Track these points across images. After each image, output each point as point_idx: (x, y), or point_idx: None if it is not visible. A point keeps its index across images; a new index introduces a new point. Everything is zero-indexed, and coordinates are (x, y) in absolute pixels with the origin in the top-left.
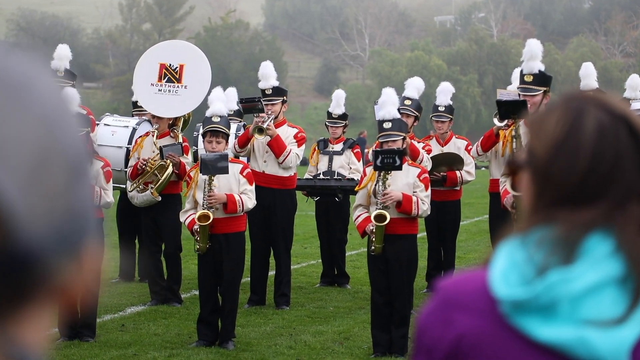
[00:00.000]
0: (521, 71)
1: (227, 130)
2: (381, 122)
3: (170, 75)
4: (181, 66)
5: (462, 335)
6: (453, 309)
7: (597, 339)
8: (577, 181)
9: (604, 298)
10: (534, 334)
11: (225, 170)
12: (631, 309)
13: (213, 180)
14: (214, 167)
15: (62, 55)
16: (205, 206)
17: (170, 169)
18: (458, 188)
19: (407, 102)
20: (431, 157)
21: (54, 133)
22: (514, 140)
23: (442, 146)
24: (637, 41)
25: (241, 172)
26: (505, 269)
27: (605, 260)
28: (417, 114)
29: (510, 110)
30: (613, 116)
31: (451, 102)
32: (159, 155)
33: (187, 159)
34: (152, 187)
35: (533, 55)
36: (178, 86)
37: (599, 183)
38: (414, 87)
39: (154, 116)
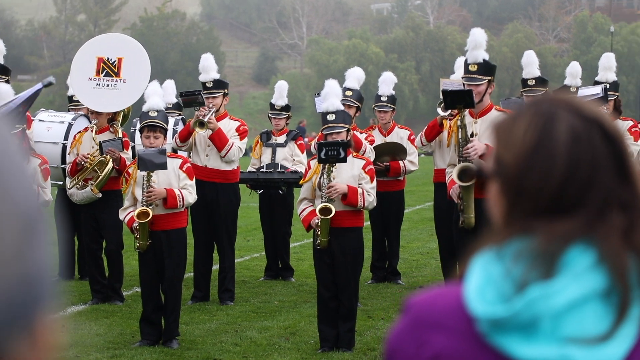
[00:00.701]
0: (465, 60)
1: (164, 124)
2: (325, 114)
3: (109, 69)
4: (119, 60)
5: (438, 357)
6: (426, 328)
7: (582, 357)
8: (554, 191)
9: (587, 314)
10: (514, 354)
11: (163, 166)
12: (616, 324)
13: (152, 176)
14: (151, 163)
15: None
16: (144, 203)
17: (110, 165)
18: (402, 178)
19: (348, 93)
20: (374, 147)
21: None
22: (460, 130)
23: (385, 136)
24: (571, 26)
25: (180, 167)
26: (481, 285)
27: (587, 274)
28: (358, 104)
29: (455, 100)
30: (586, 120)
31: (393, 92)
32: (98, 151)
33: (128, 154)
34: (92, 184)
35: (477, 45)
36: (117, 80)
37: (576, 192)
38: (355, 77)
39: (92, 111)
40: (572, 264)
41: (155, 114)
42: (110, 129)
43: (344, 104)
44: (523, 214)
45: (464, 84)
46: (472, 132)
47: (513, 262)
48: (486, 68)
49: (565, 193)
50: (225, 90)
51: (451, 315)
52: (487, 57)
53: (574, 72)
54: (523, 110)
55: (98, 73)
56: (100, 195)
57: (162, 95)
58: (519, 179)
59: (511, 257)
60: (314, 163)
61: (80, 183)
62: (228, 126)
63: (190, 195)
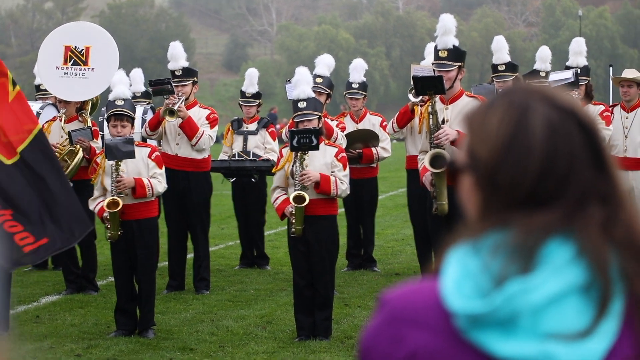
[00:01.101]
0: (435, 47)
1: (131, 113)
2: (296, 101)
3: (76, 57)
4: (87, 48)
5: (414, 354)
6: (402, 324)
7: (562, 353)
8: (530, 184)
9: (568, 309)
10: (493, 350)
11: (131, 155)
12: (597, 319)
13: (120, 165)
14: (119, 152)
15: None
16: (114, 192)
17: (80, 154)
18: (374, 165)
19: (319, 80)
20: (346, 134)
21: None
22: (430, 116)
23: (357, 123)
24: (539, 10)
25: (149, 156)
26: (458, 279)
27: (566, 267)
28: (329, 91)
29: (426, 86)
30: (561, 111)
31: (364, 79)
32: (67, 140)
33: (97, 144)
34: None
35: (447, 30)
36: (85, 69)
37: (554, 185)
38: (325, 64)
39: (60, 100)
40: (551, 257)
41: (122, 102)
42: (79, 118)
43: (314, 92)
44: (499, 207)
45: (434, 70)
46: (443, 119)
47: (490, 256)
48: (456, 54)
49: (543, 186)
50: (195, 78)
51: (428, 310)
52: (457, 43)
53: (543, 56)
54: (496, 101)
55: (66, 62)
56: (70, 185)
57: (128, 84)
58: (494, 174)
59: (488, 251)
60: (286, 151)
61: None
62: (198, 114)
63: (159, 184)
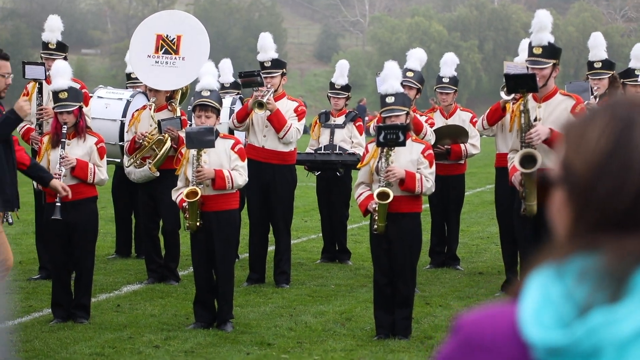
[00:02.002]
0: (530, 43)
1: (217, 104)
2: (384, 96)
3: (168, 46)
4: (178, 37)
5: None
6: (475, 352)
7: None
8: (626, 204)
9: None
10: None
11: (210, 144)
12: None
13: (202, 155)
14: (199, 140)
15: (54, 26)
16: (194, 182)
17: (168, 144)
18: (462, 162)
19: (410, 74)
20: (435, 130)
21: None
22: (522, 115)
23: (447, 119)
24: (639, 6)
25: (232, 148)
26: (539, 307)
27: None
28: (419, 86)
29: (519, 84)
30: None
31: (455, 74)
32: (156, 129)
33: None
34: (150, 162)
35: (542, 27)
36: (175, 58)
37: None
38: (417, 58)
39: (150, 89)
40: None
41: (208, 93)
42: (169, 107)
43: (404, 85)
44: (589, 228)
45: (527, 67)
46: (536, 117)
47: (576, 282)
48: (551, 51)
49: (638, 208)
50: (284, 69)
51: (504, 339)
52: (552, 40)
53: (638, 54)
54: (597, 113)
55: (157, 50)
56: (158, 174)
57: (216, 75)
58: (588, 188)
59: (574, 276)
60: (372, 147)
61: (138, 161)
62: (286, 107)
63: (240, 177)
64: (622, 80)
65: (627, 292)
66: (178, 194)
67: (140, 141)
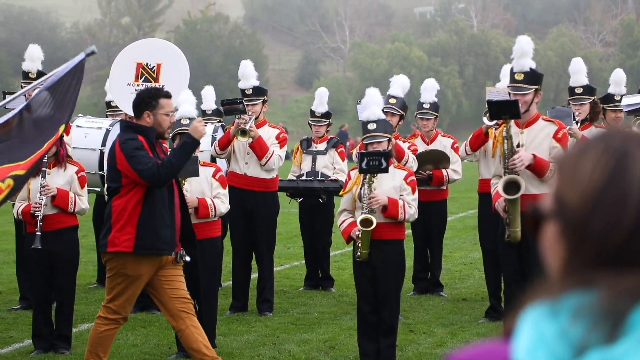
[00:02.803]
0: (511, 69)
1: None
2: (365, 123)
3: (148, 74)
4: (158, 65)
5: None
6: None
7: None
8: (622, 239)
9: None
10: None
11: (195, 173)
12: None
13: (184, 184)
14: (183, 170)
15: (34, 56)
16: None
17: None
18: (444, 187)
19: (392, 101)
20: (417, 155)
21: None
22: (505, 141)
23: (428, 145)
24: (617, 30)
25: (213, 176)
26: (532, 346)
27: None
28: (402, 112)
29: (501, 110)
30: None
31: (436, 99)
32: None
33: None
34: None
35: (524, 53)
36: (155, 86)
37: None
38: (399, 85)
39: (130, 117)
40: (638, 326)
41: (188, 121)
42: None
43: (387, 112)
44: (584, 264)
45: (509, 93)
46: (519, 143)
47: (570, 321)
48: (533, 77)
49: (635, 242)
50: (265, 97)
51: None
52: (533, 66)
53: (617, 79)
54: (591, 144)
55: (137, 78)
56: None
57: (194, 103)
58: (582, 223)
59: (568, 314)
60: (354, 173)
61: None
62: (268, 134)
63: (222, 204)
64: (602, 105)
65: (623, 331)
66: None
67: None
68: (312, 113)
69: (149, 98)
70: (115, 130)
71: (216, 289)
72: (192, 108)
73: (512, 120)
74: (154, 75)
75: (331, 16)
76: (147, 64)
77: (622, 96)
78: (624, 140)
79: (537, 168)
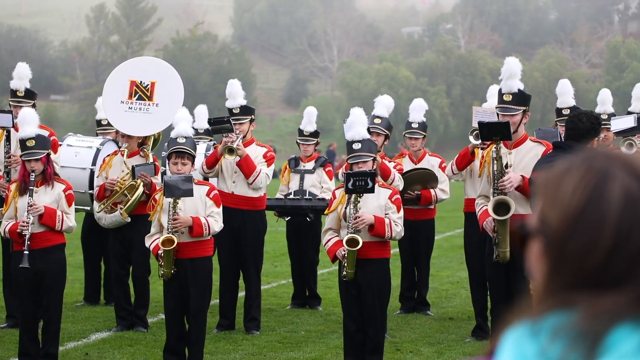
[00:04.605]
0: (500, 90)
1: (192, 151)
2: (350, 143)
3: (142, 92)
4: (152, 83)
5: None
6: None
7: None
8: (599, 261)
9: None
10: None
11: (189, 193)
12: None
13: (178, 203)
14: (178, 189)
15: (22, 74)
16: (169, 230)
17: (140, 189)
18: (432, 207)
19: (377, 121)
20: (405, 176)
21: None
22: (495, 162)
23: (416, 164)
24: (603, 52)
25: (207, 194)
26: None
27: (633, 357)
28: (387, 132)
29: (492, 131)
30: None
31: (424, 119)
32: (129, 174)
33: (158, 179)
34: (121, 208)
35: (512, 74)
36: (149, 104)
37: (626, 264)
38: (384, 105)
39: (123, 135)
40: (617, 345)
41: (184, 140)
42: (141, 153)
43: (372, 132)
44: (564, 284)
45: (498, 113)
46: (507, 163)
47: (550, 340)
48: (521, 98)
49: (613, 264)
50: (252, 116)
51: None
52: (522, 87)
53: (604, 99)
54: (574, 164)
55: (131, 96)
56: (129, 219)
57: (190, 121)
58: (562, 243)
59: (548, 334)
60: (339, 192)
61: (108, 207)
62: (255, 152)
63: (216, 223)
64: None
65: (602, 352)
66: (152, 241)
67: (111, 187)
68: (300, 132)
69: None
70: (106, 149)
71: (206, 309)
72: (188, 126)
73: (502, 142)
74: (148, 94)
75: (319, 36)
76: (141, 82)
77: (608, 115)
78: (607, 162)
79: (526, 189)
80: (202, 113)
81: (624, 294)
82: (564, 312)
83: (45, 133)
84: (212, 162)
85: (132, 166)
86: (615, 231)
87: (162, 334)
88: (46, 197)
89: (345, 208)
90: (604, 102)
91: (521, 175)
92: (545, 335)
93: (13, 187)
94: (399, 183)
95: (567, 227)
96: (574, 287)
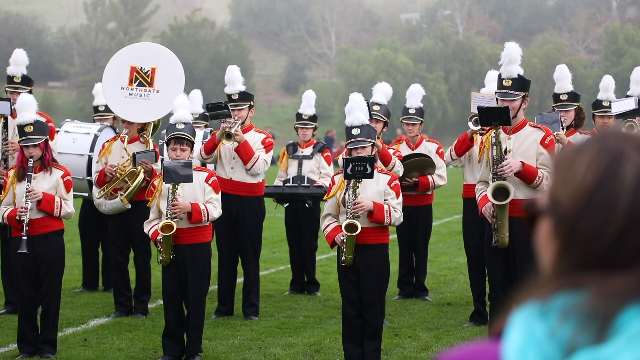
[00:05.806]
0: (499, 75)
1: (191, 137)
2: (349, 128)
3: (142, 78)
4: (153, 69)
5: None
6: None
7: None
8: (610, 241)
9: None
10: None
11: (189, 179)
12: None
13: (177, 189)
14: (177, 175)
15: (19, 60)
16: (169, 216)
17: (141, 176)
18: (430, 193)
19: (376, 108)
20: (403, 162)
21: None
22: (494, 147)
23: (413, 150)
24: (601, 38)
25: (206, 181)
26: (522, 346)
27: None
28: (386, 119)
29: (492, 116)
30: None
31: (421, 105)
32: (129, 161)
33: (157, 166)
34: (121, 194)
35: (512, 59)
36: (150, 90)
37: (636, 246)
38: (382, 92)
39: (123, 121)
40: (627, 326)
41: (183, 126)
42: (141, 139)
43: (371, 119)
44: (574, 264)
45: (497, 98)
46: (506, 149)
47: (560, 321)
48: (521, 83)
49: (624, 245)
50: (251, 102)
51: None
52: (521, 72)
53: (606, 86)
54: (587, 144)
55: (131, 82)
56: (129, 206)
57: (189, 107)
58: (573, 222)
59: (558, 315)
60: (338, 178)
61: (109, 193)
62: (254, 138)
63: (215, 209)
64: (592, 111)
65: (612, 332)
66: (151, 227)
67: (111, 175)
68: (299, 116)
69: None
70: (104, 135)
71: (205, 294)
72: (187, 113)
73: (501, 127)
74: (149, 80)
75: (317, 22)
76: (141, 67)
77: (610, 102)
78: (621, 142)
79: (525, 175)
80: (197, 98)
81: (634, 275)
82: (574, 293)
83: (42, 119)
84: (210, 147)
85: (133, 153)
86: (627, 212)
87: (160, 320)
88: (44, 183)
89: (344, 194)
90: (607, 88)
91: (520, 161)
92: (554, 315)
93: (11, 173)
94: (399, 169)
95: (578, 207)
96: (583, 268)
